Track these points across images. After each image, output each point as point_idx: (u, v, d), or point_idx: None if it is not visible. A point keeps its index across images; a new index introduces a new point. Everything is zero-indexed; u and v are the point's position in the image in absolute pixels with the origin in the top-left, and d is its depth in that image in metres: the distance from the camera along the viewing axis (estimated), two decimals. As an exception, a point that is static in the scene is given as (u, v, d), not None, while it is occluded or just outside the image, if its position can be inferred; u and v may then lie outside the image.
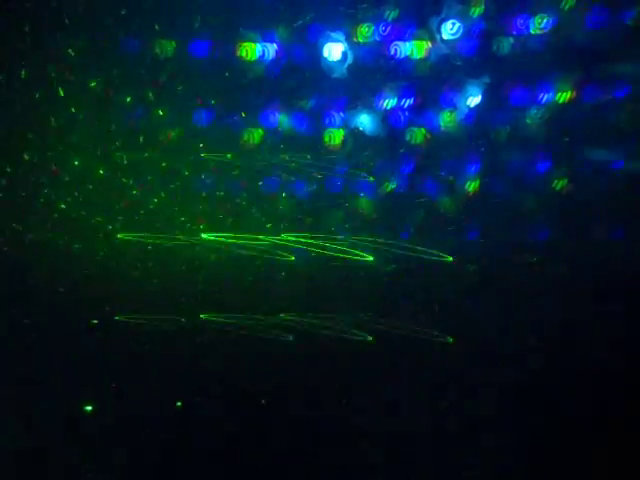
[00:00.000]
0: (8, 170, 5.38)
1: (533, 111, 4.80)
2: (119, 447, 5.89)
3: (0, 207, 5.49)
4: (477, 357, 5.61)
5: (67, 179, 5.39)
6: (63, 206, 5.48)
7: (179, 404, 5.95)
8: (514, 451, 5.65)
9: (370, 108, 4.99)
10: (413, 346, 5.59)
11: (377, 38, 4.76)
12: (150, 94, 5.10)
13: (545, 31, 4.51)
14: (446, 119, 4.92)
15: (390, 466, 5.82)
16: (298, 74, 4.91)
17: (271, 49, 4.84)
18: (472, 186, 5.09)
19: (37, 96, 5.14)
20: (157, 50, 4.91)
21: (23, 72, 5.06)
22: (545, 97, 4.73)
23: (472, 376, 5.66)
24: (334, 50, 4.83)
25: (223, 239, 5.51)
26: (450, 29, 4.65)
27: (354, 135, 5.06)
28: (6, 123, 5.22)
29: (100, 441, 5.90)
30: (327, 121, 5.04)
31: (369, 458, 5.87)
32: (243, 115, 5.06)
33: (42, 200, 5.46)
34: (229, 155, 5.23)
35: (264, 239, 5.46)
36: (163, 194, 5.42)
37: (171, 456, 5.96)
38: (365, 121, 5.02)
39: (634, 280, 5.23)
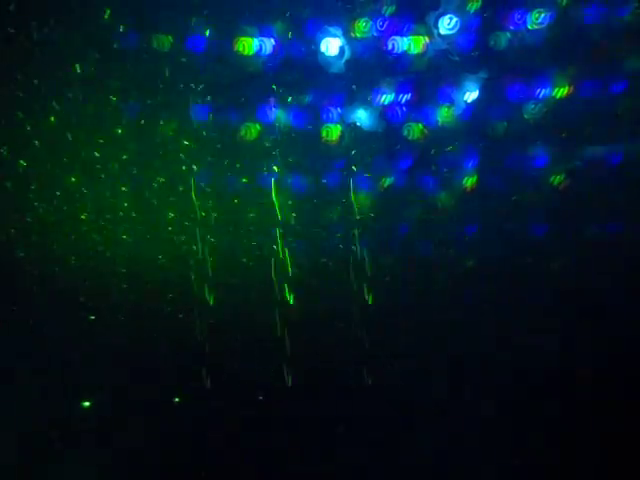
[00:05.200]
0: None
1: (530, 106, 4.79)
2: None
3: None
4: (473, 357, 5.62)
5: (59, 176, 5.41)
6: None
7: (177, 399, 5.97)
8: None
9: (367, 103, 4.99)
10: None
11: (374, 33, 4.75)
12: (146, 89, 5.10)
13: (542, 26, 4.50)
14: (443, 114, 4.91)
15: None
16: (295, 69, 4.91)
17: (268, 44, 4.83)
18: (469, 181, 5.09)
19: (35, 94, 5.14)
20: (154, 45, 4.91)
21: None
22: (543, 92, 4.73)
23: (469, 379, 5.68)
24: (331, 45, 4.82)
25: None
26: (447, 24, 4.64)
27: (351, 130, 5.06)
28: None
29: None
30: (324, 116, 5.04)
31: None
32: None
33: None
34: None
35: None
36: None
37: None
38: (362, 116, 5.01)
39: (633, 276, 5.23)
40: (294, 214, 5.39)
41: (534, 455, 5.61)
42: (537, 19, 4.47)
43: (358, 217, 5.34)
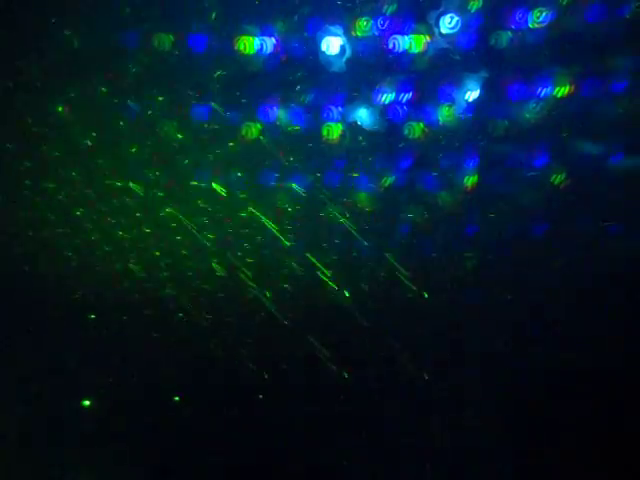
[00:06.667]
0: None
1: (532, 105, 4.79)
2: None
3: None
4: (473, 356, 5.62)
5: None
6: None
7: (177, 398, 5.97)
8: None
9: (368, 102, 4.99)
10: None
11: (375, 32, 4.75)
12: (147, 89, 5.10)
13: (543, 25, 4.50)
14: (444, 113, 4.91)
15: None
16: (296, 68, 4.90)
17: (269, 43, 4.83)
18: (470, 180, 5.09)
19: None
20: (154, 44, 4.91)
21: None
22: (544, 91, 4.73)
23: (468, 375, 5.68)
24: (332, 44, 4.82)
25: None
26: (449, 23, 4.64)
27: (352, 129, 5.05)
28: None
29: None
30: (325, 115, 5.03)
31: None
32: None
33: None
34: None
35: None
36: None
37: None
38: (363, 115, 5.01)
39: (634, 276, 5.24)
40: (295, 213, 5.39)
41: (535, 455, 5.62)
42: (538, 18, 4.48)
43: (359, 216, 5.35)
